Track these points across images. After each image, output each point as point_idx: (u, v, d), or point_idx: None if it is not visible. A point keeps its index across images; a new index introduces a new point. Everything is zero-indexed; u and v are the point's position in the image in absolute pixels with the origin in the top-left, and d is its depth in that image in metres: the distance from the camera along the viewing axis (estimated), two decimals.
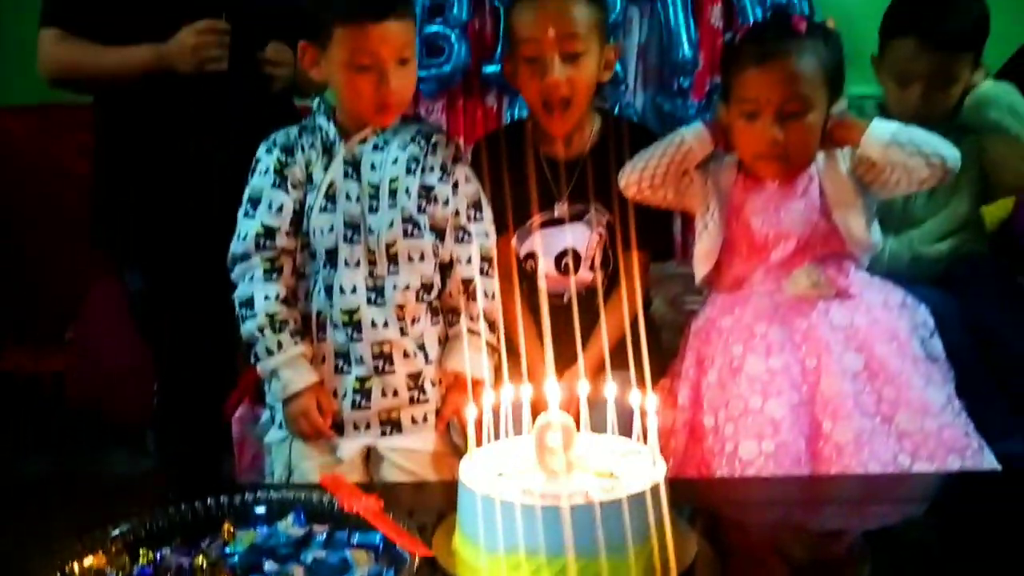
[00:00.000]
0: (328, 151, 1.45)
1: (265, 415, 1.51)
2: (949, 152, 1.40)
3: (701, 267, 1.57)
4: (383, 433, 1.45)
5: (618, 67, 2.78)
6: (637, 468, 0.94)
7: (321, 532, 0.95)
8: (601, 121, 1.64)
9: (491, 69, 2.81)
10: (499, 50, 2.78)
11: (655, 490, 0.90)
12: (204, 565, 0.87)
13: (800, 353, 1.45)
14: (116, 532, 0.94)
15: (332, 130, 1.45)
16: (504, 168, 1.53)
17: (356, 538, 0.93)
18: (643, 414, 0.97)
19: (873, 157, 1.43)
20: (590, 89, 1.55)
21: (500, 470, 0.95)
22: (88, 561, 0.89)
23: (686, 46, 2.78)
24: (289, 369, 1.41)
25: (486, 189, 1.53)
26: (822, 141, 1.48)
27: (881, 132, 1.42)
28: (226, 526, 0.96)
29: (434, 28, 2.83)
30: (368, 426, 1.44)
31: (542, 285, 1.59)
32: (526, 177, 1.57)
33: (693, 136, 1.50)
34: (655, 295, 1.97)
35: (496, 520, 0.88)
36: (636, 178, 1.51)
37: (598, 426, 1.03)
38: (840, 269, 1.51)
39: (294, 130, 1.48)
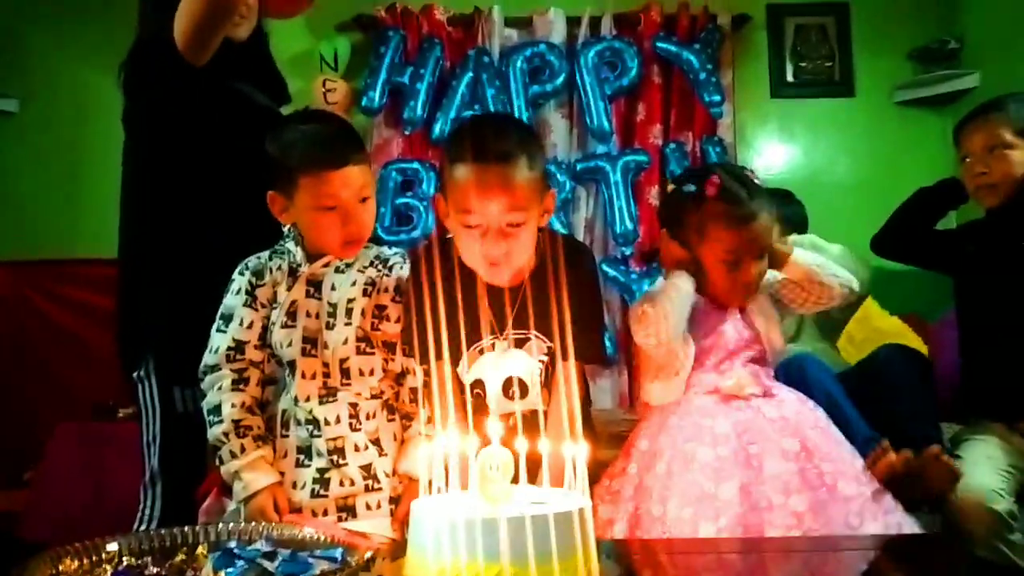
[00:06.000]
0: (293, 272, 1.61)
1: (231, 507, 1.60)
2: (846, 277, 1.76)
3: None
4: (340, 519, 1.55)
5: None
6: (567, 498, 1.09)
7: (287, 551, 1.06)
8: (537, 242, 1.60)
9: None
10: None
11: (581, 513, 1.04)
12: (182, 558, 0.97)
13: (742, 441, 1.61)
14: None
15: (300, 254, 1.62)
16: (451, 288, 1.53)
17: (318, 552, 1.05)
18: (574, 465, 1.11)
19: (795, 279, 1.76)
20: (530, 247, 1.56)
21: (448, 505, 1.08)
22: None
23: (627, 221, 3.14)
24: (249, 471, 1.53)
25: (425, 306, 1.48)
26: None
27: (803, 259, 1.75)
28: (200, 549, 1.07)
29: (404, 199, 3.18)
30: (326, 512, 1.55)
31: (493, 407, 1.63)
32: (471, 303, 1.58)
33: (682, 280, 1.73)
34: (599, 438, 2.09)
35: (443, 534, 1.00)
36: (665, 336, 1.66)
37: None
38: (764, 372, 1.76)
39: (266, 254, 1.64)
